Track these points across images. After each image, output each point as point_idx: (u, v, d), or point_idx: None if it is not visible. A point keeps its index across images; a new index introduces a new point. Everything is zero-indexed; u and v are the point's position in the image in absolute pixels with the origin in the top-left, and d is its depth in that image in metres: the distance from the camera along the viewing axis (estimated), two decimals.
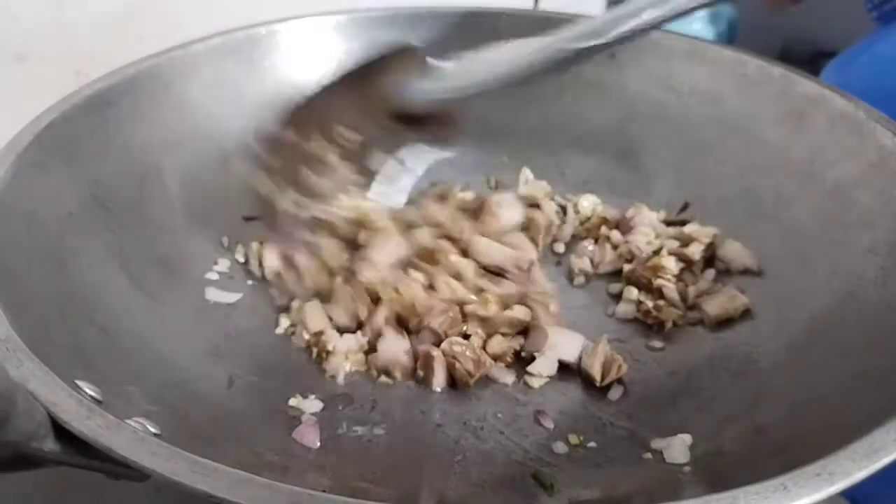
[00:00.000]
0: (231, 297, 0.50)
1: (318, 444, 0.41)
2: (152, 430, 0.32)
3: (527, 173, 0.63)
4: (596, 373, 0.45)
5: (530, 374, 0.46)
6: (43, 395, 0.29)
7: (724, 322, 0.49)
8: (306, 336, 0.48)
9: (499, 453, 0.41)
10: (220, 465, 0.26)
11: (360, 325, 0.49)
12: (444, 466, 0.40)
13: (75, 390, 0.30)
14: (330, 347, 0.47)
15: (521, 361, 0.47)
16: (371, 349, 0.47)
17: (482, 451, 0.41)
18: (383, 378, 0.46)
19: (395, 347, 0.47)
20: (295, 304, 0.50)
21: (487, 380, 0.46)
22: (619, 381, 0.45)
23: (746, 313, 0.49)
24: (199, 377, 0.44)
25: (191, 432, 0.38)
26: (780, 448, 0.36)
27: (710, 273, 0.53)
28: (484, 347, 0.47)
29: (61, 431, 0.28)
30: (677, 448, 0.39)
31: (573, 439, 0.42)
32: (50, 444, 0.28)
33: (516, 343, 0.48)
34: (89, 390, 0.32)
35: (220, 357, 0.46)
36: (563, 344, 0.47)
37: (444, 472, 0.40)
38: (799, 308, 0.46)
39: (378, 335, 0.47)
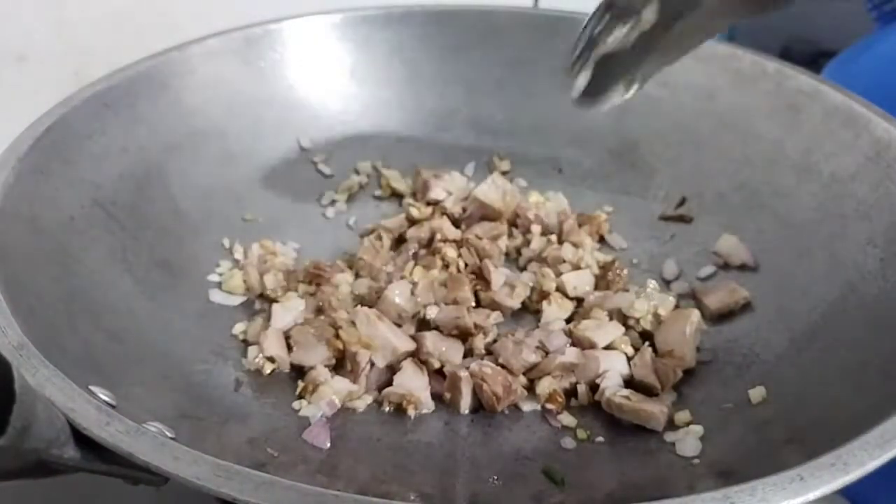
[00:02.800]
0: (234, 300, 0.50)
1: (329, 444, 0.41)
2: (168, 434, 0.32)
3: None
4: (653, 381, 0.44)
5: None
6: (61, 401, 0.29)
7: (725, 315, 0.49)
8: (258, 360, 0.45)
9: (508, 450, 0.41)
10: (244, 468, 0.27)
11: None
12: (454, 464, 0.40)
13: (91, 396, 0.30)
14: (322, 379, 0.44)
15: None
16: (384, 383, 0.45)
17: (491, 447, 0.41)
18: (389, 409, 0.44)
19: (414, 383, 0.44)
20: (255, 323, 0.48)
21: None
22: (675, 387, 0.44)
23: (747, 307, 0.49)
24: (207, 380, 0.43)
25: (201, 435, 0.38)
26: (788, 439, 0.37)
27: (709, 269, 0.53)
28: (532, 386, 0.45)
29: (81, 438, 0.28)
30: (690, 440, 0.39)
31: (581, 434, 0.42)
32: (70, 451, 0.28)
33: (567, 382, 0.45)
34: (103, 395, 0.32)
35: (225, 359, 0.46)
36: (613, 363, 0.45)
37: (454, 469, 0.40)
38: (799, 301, 0.46)
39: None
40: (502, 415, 0.44)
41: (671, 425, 0.41)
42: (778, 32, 0.90)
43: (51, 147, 0.46)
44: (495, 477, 0.39)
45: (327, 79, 0.62)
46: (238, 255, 0.54)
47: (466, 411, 0.44)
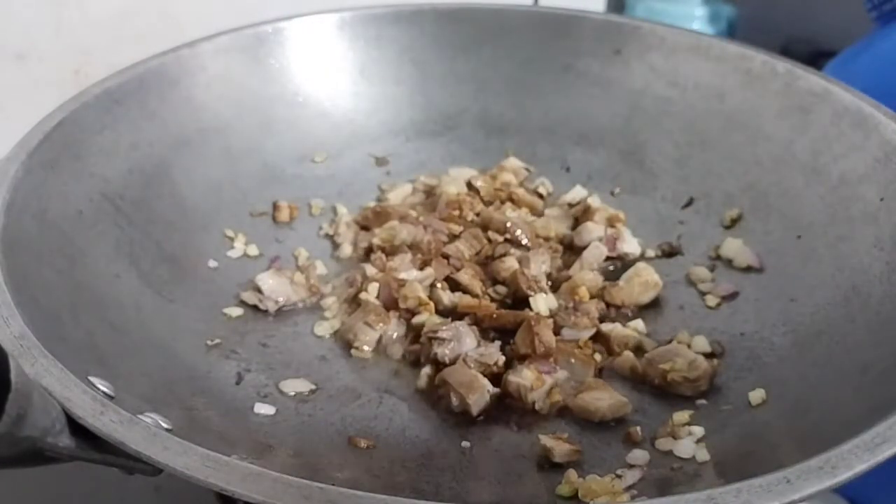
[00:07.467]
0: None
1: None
2: (164, 425, 0.33)
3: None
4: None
5: None
6: (58, 391, 0.30)
7: None
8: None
9: (506, 447, 0.41)
10: (232, 459, 0.27)
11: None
12: (450, 459, 0.41)
13: (89, 386, 0.31)
14: (403, 275, 0.50)
15: None
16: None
17: (488, 443, 0.42)
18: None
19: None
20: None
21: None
22: None
23: (750, 308, 0.49)
24: (209, 373, 0.44)
25: (201, 428, 0.38)
26: (787, 442, 0.36)
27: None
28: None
29: (76, 427, 0.29)
30: (687, 442, 0.39)
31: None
32: (65, 440, 0.28)
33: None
34: (102, 386, 0.33)
35: (229, 353, 0.46)
36: None
37: (450, 464, 0.40)
38: (804, 303, 0.46)
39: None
40: (499, 411, 0.44)
41: (666, 426, 0.41)
42: (777, 32, 0.89)
43: (61, 142, 0.46)
44: (491, 473, 0.39)
45: (336, 77, 0.63)
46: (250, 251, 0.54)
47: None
